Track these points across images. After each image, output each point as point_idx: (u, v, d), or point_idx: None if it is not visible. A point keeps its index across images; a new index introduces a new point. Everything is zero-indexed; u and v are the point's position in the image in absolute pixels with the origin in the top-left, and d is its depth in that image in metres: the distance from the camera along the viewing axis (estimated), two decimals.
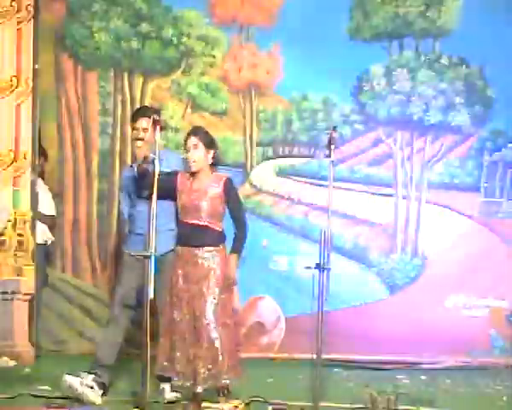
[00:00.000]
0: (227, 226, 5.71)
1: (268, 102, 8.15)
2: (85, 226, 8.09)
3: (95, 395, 5.77)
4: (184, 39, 8.08)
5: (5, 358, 7.15)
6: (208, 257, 5.58)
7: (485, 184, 8.12)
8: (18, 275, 7.40)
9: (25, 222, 7.43)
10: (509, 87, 7.93)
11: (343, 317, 7.68)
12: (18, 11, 7.48)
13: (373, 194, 8.11)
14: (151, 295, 5.25)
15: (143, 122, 5.91)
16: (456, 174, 8.12)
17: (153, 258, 5.28)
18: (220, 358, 5.43)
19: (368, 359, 7.71)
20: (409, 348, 7.74)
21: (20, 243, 7.42)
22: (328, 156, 5.57)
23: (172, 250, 5.72)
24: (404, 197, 8.10)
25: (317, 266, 5.44)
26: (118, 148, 8.06)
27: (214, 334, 5.45)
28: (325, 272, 5.44)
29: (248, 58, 8.10)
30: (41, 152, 7.73)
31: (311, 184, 8.07)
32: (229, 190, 5.69)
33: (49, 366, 7.02)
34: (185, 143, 5.68)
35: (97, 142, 8.10)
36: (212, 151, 5.67)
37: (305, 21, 7.81)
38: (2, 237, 7.41)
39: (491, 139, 8.13)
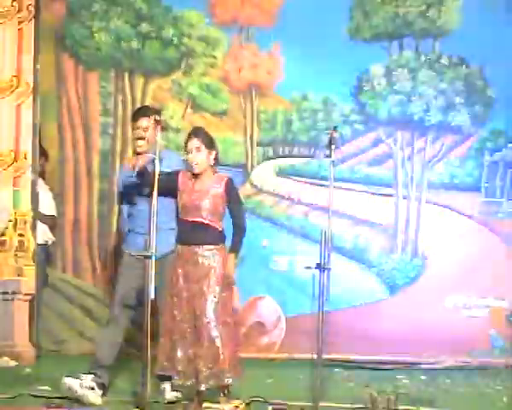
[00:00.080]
0: (226, 226, 5.71)
1: (268, 102, 8.15)
2: (86, 226, 8.09)
3: (95, 396, 5.76)
4: (185, 40, 8.08)
5: (5, 358, 7.16)
6: (209, 256, 5.58)
7: (486, 184, 8.12)
8: (18, 275, 7.40)
9: (25, 222, 7.43)
10: (509, 87, 7.94)
11: (343, 317, 7.68)
12: (19, 11, 7.49)
13: (373, 194, 8.12)
14: (152, 296, 5.25)
15: (144, 121, 5.92)
16: (457, 174, 8.12)
17: (153, 258, 5.28)
18: (221, 357, 5.44)
19: (368, 359, 7.72)
20: (409, 348, 7.74)
21: (21, 243, 7.42)
22: (329, 156, 5.58)
23: (173, 251, 5.72)
24: (404, 197, 8.11)
25: (318, 266, 5.44)
26: (118, 148, 8.07)
27: (215, 333, 5.45)
28: (325, 272, 5.44)
29: (249, 58, 8.11)
30: (41, 152, 7.73)
31: (312, 184, 8.07)
32: (231, 191, 5.70)
33: (50, 367, 7.03)
34: (186, 145, 5.67)
35: (98, 142, 8.11)
36: (213, 152, 5.68)
37: (306, 22, 7.81)
38: (3, 238, 7.42)
39: (492, 139, 8.13)
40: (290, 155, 8.18)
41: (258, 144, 8.14)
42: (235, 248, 5.66)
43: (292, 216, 8.13)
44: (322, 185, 7.75)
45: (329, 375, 6.56)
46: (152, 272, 5.25)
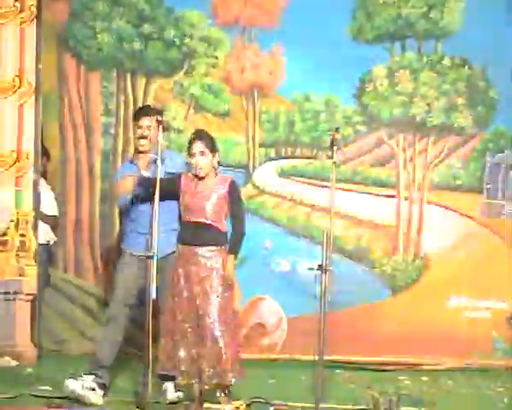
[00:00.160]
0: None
1: (270, 103, 8.15)
2: (88, 226, 8.09)
3: (96, 397, 5.76)
4: (187, 40, 8.08)
5: (7, 358, 7.16)
6: (210, 256, 5.58)
7: (488, 186, 8.12)
8: (20, 275, 7.40)
9: (27, 222, 7.43)
10: (511, 88, 7.93)
11: (345, 318, 7.67)
12: (21, 11, 7.49)
13: (375, 195, 8.11)
14: (153, 295, 5.25)
15: (147, 120, 5.92)
16: (459, 175, 8.12)
17: (155, 258, 5.28)
18: (224, 356, 5.45)
19: (370, 360, 7.72)
20: (411, 349, 7.74)
21: (23, 243, 7.42)
22: (331, 157, 5.58)
23: (175, 251, 5.72)
24: (406, 198, 8.10)
25: (320, 267, 5.44)
26: (120, 148, 8.07)
27: (218, 333, 5.47)
28: (327, 273, 5.44)
29: (251, 59, 8.10)
30: (43, 152, 7.73)
31: (314, 185, 8.07)
32: (233, 192, 5.71)
33: (51, 366, 7.03)
34: (190, 148, 5.67)
35: (100, 142, 8.11)
36: (216, 154, 5.69)
37: (308, 22, 7.80)
38: (5, 237, 7.41)
39: (494, 140, 8.13)
40: (292, 156, 8.18)
41: (261, 145, 8.14)
42: (235, 249, 5.67)
43: (294, 217, 8.12)
44: (324, 186, 7.75)
45: (331, 376, 6.56)
46: (154, 272, 5.25)
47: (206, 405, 5.51)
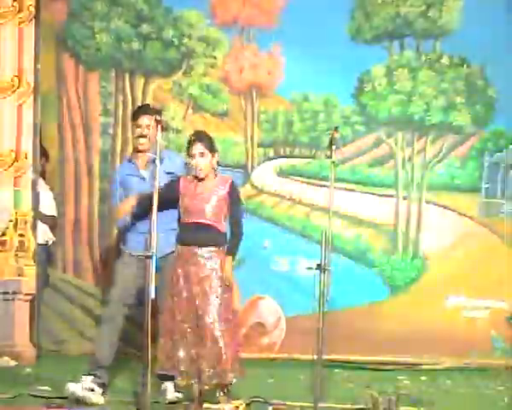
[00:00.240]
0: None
1: (269, 102, 8.15)
2: (86, 226, 8.10)
3: (96, 397, 5.76)
4: (185, 40, 8.08)
5: (6, 358, 7.16)
6: (210, 257, 5.58)
7: (486, 185, 8.12)
8: (19, 275, 7.40)
9: (26, 222, 7.43)
10: (510, 87, 7.93)
11: (344, 317, 7.68)
12: (19, 11, 7.49)
13: (374, 194, 8.12)
14: (152, 295, 5.25)
15: (146, 119, 5.92)
16: (457, 175, 8.13)
17: (154, 258, 5.28)
18: (224, 356, 5.45)
19: (368, 359, 7.72)
20: (409, 348, 7.75)
21: (22, 244, 7.42)
22: (330, 157, 5.58)
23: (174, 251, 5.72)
24: (404, 198, 8.11)
25: (318, 266, 5.44)
26: (119, 148, 8.07)
27: (217, 333, 5.46)
28: (326, 272, 5.44)
29: (249, 59, 8.11)
30: (42, 152, 7.74)
31: (312, 184, 8.07)
32: (233, 192, 5.71)
33: (50, 367, 7.03)
34: (189, 150, 5.67)
35: (98, 142, 8.11)
36: (215, 155, 5.69)
37: (306, 22, 7.81)
38: (4, 238, 7.42)
39: (492, 140, 8.13)
40: (291, 156, 8.18)
41: (259, 145, 8.14)
42: (233, 250, 5.67)
43: (293, 217, 8.13)
44: (322, 186, 7.75)
45: (330, 375, 6.57)
46: (153, 272, 5.25)
47: (205, 405, 5.50)
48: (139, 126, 5.96)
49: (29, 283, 7.39)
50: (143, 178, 5.99)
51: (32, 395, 5.90)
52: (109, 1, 8.05)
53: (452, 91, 8.09)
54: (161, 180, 5.47)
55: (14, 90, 7.48)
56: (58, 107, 8.07)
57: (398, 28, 8.08)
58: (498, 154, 8.13)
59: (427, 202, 8.09)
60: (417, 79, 8.08)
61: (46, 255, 7.83)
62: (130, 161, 6.13)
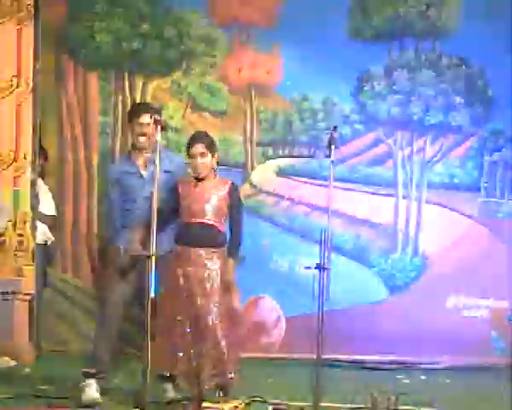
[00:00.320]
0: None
1: (268, 102, 8.14)
2: (86, 226, 8.09)
3: (96, 397, 5.76)
4: (185, 39, 8.08)
5: (5, 358, 7.15)
6: (210, 257, 5.59)
7: (486, 184, 8.13)
8: (18, 275, 7.39)
9: (25, 222, 7.43)
10: (509, 87, 7.94)
11: (343, 317, 7.68)
12: (18, 11, 7.48)
13: (373, 194, 8.11)
14: (152, 295, 5.25)
15: (146, 117, 5.92)
16: (457, 174, 8.13)
17: (153, 258, 5.28)
18: (224, 357, 5.46)
19: (368, 359, 7.72)
20: (409, 348, 7.74)
21: (21, 243, 7.42)
22: (329, 156, 5.58)
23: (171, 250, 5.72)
24: (404, 197, 8.11)
25: (318, 266, 5.45)
26: (118, 148, 8.06)
27: (218, 333, 5.47)
28: (325, 272, 5.44)
29: (248, 58, 8.10)
30: (41, 152, 7.73)
31: (312, 184, 8.07)
32: (233, 194, 5.72)
33: (50, 366, 7.03)
34: (189, 150, 5.67)
35: (97, 142, 8.10)
36: (216, 155, 5.69)
37: (306, 22, 7.80)
38: (3, 238, 7.41)
39: (492, 139, 8.13)
40: (290, 155, 8.18)
41: (258, 144, 8.13)
42: (234, 252, 5.68)
43: (292, 216, 8.12)
44: (322, 185, 7.74)
45: (329, 375, 6.54)
46: (152, 272, 5.25)
47: (205, 404, 5.50)
48: (140, 124, 5.95)
49: (28, 283, 7.39)
50: (142, 177, 5.99)
51: (31, 395, 5.91)
52: (109, 1, 8.04)
53: (451, 91, 8.08)
54: (160, 179, 5.46)
55: (13, 90, 7.47)
56: (57, 106, 8.06)
57: (397, 28, 8.08)
58: (497, 153, 8.12)
59: (427, 202, 8.09)
60: (416, 80, 8.08)
61: (45, 255, 7.81)
62: (128, 159, 6.13)
